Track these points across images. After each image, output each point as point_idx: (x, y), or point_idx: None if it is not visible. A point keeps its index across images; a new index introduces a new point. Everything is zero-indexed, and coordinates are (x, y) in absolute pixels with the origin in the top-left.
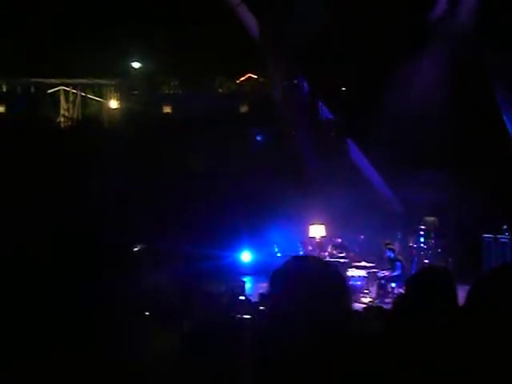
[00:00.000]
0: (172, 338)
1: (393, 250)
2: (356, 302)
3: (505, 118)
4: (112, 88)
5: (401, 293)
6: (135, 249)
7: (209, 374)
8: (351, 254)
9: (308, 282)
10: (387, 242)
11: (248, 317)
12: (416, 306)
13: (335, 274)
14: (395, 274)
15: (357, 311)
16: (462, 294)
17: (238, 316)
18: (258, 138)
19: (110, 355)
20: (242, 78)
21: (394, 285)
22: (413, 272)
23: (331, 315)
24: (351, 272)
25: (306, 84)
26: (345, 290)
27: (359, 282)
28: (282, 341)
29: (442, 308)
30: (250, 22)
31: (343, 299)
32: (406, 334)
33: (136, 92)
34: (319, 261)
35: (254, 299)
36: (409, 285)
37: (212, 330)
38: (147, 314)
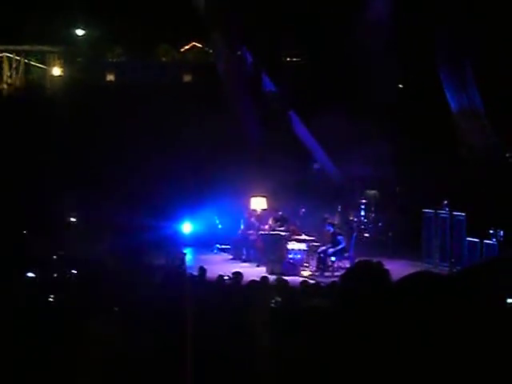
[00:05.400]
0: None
1: (332, 225)
2: (296, 275)
3: (447, 93)
4: (55, 55)
5: (340, 267)
6: (72, 219)
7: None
8: (292, 227)
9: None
10: (326, 216)
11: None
12: (351, 299)
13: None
14: (339, 247)
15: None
16: (401, 267)
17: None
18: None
19: None
20: (186, 47)
21: (333, 259)
22: (352, 244)
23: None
24: (291, 245)
25: (249, 56)
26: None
27: (299, 256)
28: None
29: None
30: None
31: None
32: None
33: (79, 59)
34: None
35: (195, 271)
36: (344, 280)
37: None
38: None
